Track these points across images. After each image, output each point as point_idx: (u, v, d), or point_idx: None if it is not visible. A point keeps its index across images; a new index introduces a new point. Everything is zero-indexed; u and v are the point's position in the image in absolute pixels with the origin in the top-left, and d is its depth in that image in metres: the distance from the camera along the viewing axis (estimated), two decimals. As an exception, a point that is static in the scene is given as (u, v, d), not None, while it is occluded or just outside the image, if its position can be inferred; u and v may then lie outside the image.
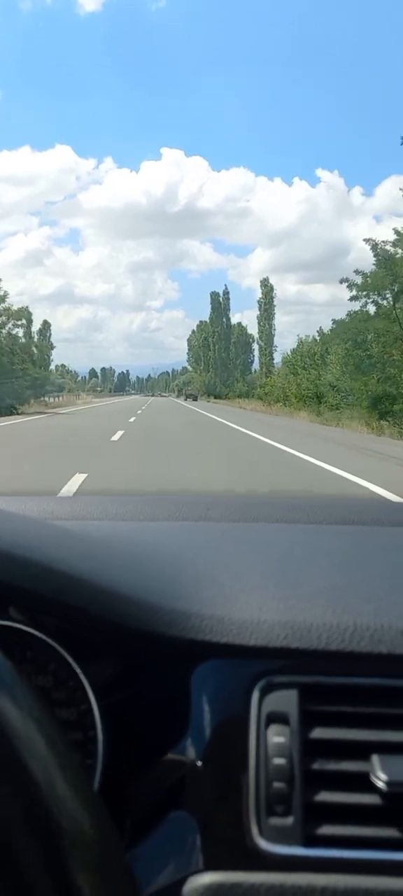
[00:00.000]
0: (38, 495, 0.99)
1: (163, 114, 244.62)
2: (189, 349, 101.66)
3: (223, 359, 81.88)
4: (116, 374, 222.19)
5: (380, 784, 0.47)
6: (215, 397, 74.09)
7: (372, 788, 0.47)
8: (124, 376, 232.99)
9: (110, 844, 0.38)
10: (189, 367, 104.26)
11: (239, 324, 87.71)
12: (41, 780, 0.34)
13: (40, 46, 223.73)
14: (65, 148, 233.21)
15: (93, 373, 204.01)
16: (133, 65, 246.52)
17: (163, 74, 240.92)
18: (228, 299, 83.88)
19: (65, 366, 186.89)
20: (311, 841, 0.47)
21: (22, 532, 0.57)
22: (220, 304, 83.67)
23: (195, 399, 66.26)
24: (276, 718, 0.50)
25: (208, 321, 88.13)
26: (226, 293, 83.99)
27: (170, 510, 0.94)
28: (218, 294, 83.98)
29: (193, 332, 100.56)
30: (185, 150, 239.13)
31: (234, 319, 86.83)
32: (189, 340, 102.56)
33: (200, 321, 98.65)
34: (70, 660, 0.54)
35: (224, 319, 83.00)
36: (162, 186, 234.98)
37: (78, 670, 0.54)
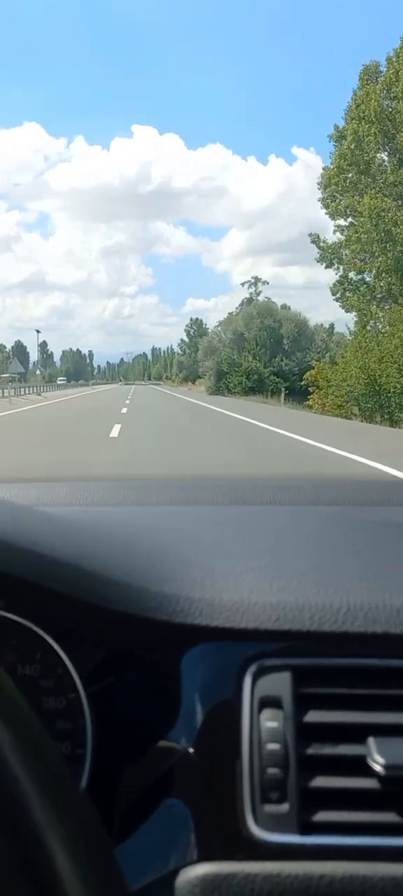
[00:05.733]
0: (23, 482, 0.96)
1: (137, 91, 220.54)
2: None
3: None
4: (73, 356, 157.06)
5: (377, 768, 0.45)
6: None
7: (369, 772, 0.46)
8: (82, 358, 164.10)
9: (97, 845, 0.37)
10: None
11: None
12: (24, 783, 0.33)
13: (6, 18, 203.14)
14: (33, 125, 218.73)
15: (19, 348, 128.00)
16: (105, 38, 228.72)
17: (138, 49, 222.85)
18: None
19: (4, 346, 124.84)
20: (307, 828, 0.45)
21: (3, 517, 0.54)
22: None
23: None
24: (269, 702, 0.48)
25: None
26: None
27: (158, 495, 0.92)
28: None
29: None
30: (159, 128, 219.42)
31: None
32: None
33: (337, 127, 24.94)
34: (56, 647, 0.53)
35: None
36: (135, 166, 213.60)
37: (64, 657, 0.53)
